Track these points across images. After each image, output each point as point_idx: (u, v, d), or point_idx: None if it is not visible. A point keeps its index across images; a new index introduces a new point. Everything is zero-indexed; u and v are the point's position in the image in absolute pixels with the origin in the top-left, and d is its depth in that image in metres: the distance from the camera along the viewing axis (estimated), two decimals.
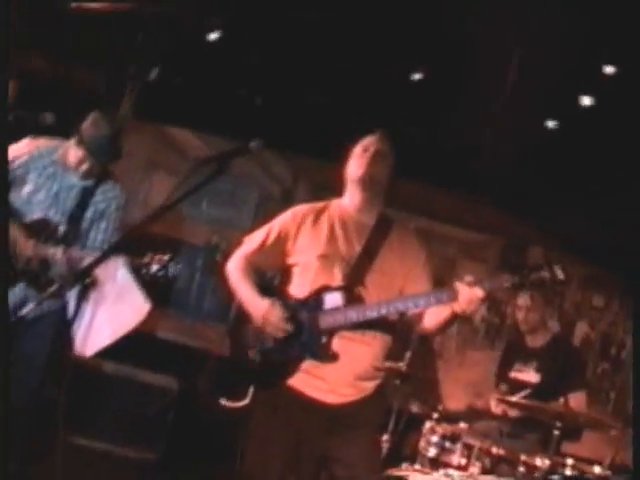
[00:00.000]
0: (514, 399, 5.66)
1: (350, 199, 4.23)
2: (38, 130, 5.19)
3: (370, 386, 4.12)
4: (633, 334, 5.59)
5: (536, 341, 6.34)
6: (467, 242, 7.73)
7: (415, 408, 6.09)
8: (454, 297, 3.80)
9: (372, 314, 3.92)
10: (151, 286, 4.41)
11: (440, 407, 6.01)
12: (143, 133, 7.56)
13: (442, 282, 6.89)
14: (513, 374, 6.30)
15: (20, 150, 5.09)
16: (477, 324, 7.61)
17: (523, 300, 6.26)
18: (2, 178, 3.58)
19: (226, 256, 4.48)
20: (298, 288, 4.13)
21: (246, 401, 4.12)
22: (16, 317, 4.92)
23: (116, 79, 7.35)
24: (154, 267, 4.00)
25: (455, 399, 6.98)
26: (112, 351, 5.97)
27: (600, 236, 7.12)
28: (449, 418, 6.00)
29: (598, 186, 6.85)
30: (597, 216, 7.07)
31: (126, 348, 5.43)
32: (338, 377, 4.00)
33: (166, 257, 4.01)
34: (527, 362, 6.27)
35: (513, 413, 5.91)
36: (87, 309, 4.51)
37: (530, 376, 6.17)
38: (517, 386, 6.08)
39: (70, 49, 7.07)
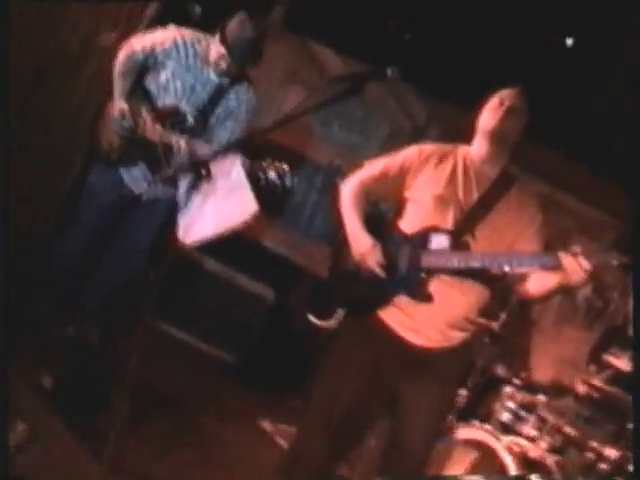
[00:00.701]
0: (597, 382, 5.57)
1: (477, 149, 4.16)
2: (183, 18, 5.23)
3: (457, 336, 4.09)
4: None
5: None
6: (586, 218, 7.55)
7: (499, 370, 6.03)
8: (558, 265, 3.72)
9: (474, 263, 3.88)
10: (265, 193, 4.42)
11: (524, 375, 5.96)
12: (287, 43, 7.55)
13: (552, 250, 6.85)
14: (607, 356, 6.19)
15: (165, 36, 5.16)
16: (579, 303, 7.46)
17: None
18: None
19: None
20: (408, 224, 4.12)
21: (333, 322, 4.16)
22: (131, 194, 5.08)
23: None
24: (271, 174, 4.02)
25: (541, 371, 6.90)
26: (217, 250, 6.08)
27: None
28: (530, 388, 5.94)
29: None
30: None
31: (232, 250, 5.53)
32: (427, 319, 3.99)
33: (285, 167, 4.01)
34: (624, 349, 6.15)
35: (595, 397, 5.81)
36: (196, 199, 4.56)
37: (623, 363, 6.04)
38: (607, 368, 5.98)
39: None
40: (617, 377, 5.81)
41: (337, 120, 7.39)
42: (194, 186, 4.37)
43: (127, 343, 4.53)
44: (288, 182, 4.08)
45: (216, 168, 4.28)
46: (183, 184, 4.72)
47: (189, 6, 5.00)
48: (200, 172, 4.23)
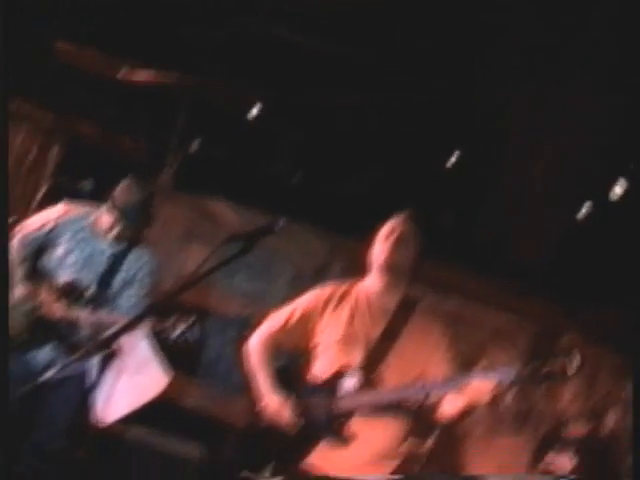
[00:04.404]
0: None
1: (373, 282, 4.25)
2: (77, 197, 5.30)
3: (389, 464, 4.13)
4: None
5: (576, 430, 6.29)
6: (498, 327, 7.67)
7: None
8: (464, 386, 3.79)
9: (385, 399, 3.95)
10: (176, 352, 4.44)
11: None
12: (181, 204, 7.65)
13: (471, 366, 6.94)
14: (548, 459, 6.24)
15: (53, 214, 5.21)
16: (504, 410, 7.53)
17: (566, 387, 6.19)
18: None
19: (255, 329, 4.53)
20: (319, 369, 4.17)
21: (267, 475, 4.14)
22: (40, 381, 5.02)
23: (157, 150, 7.49)
24: (175, 333, 4.05)
25: None
26: (140, 417, 6.01)
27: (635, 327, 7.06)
28: None
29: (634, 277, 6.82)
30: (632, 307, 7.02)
31: (151, 414, 5.46)
32: (356, 456, 4.02)
33: (189, 322, 4.05)
34: (563, 449, 6.20)
35: None
36: (109, 377, 4.55)
37: (565, 462, 6.10)
38: (550, 472, 6.02)
39: (117, 118, 7.23)
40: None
41: (240, 270, 7.46)
42: (105, 363, 4.37)
43: None
44: (192, 337, 4.10)
45: (124, 343, 4.29)
46: (93, 362, 4.70)
47: (80, 184, 5.06)
48: (109, 350, 4.24)
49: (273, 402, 4.15)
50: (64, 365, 4.32)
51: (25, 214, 5.10)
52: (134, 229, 5.21)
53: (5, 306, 3.38)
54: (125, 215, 5.07)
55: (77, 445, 5.69)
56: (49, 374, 3.82)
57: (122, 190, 5.10)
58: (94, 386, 4.69)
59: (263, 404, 4.19)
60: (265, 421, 4.22)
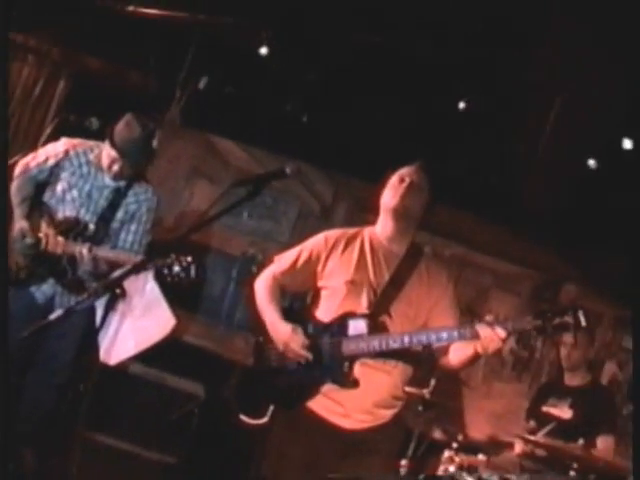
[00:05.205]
0: (536, 438, 5.63)
1: (382, 227, 4.25)
2: (83, 134, 5.27)
3: (388, 414, 4.14)
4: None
5: (575, 380, 6.33)
6: (502, 273, 7.70)
7: (436, 435, 6.07)
8: (476, 335, 3.81)
9: (394, 344, 3.93)
10: (174, 287, 4.44)
11: (460, 437, 6.00)
12: (188, 140, 7.64)
13: (473, 311, 6.98)
14: (545, 408, 6.28)
15: (56, 149, 5.20)
16: (505, 356, 7.59)
17: (568, 337, 6.21)
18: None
19: (261, 268, 4.53)
20: (325, 312, 4.17)
21: (265, 419, 4.17)
22: (46, 320, 5.05)
23: (166, 85, 7.43)
24: (176, 268, 4.04)
25: (478, 429, 6.97)
26: (143, 353, 6.05)
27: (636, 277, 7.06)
28: (470, 448, 5.97)
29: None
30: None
31: (155, 352, 5.50)
32: (356, 403, 4.04)
33: (189, 258, 4.05)
34: (561, 398, 6.25)
35: (537, 452, 5.87)
36: (114, 319, 4.57)
37: (563, 412, 6.14)
38: (547, 420, 6.07)
39: (125, 53, 7.16)
40: (559, 429, 5.90)
41: (246, 209, 7.46)
42: (110, 306, 4.38)
43: (65, 459, 4.48)
44: (193, 273, 4.09)
45: (130, 286, 4.30)
46: (99, 304, 4.71)
47: (87, 122, 5.02)
48: (115, 291, 4.24)
49: (284, 331, 4.12)
50: (70, 308, 4.34)
51: (31, 150, 5.05)
52: (135, 165, 5.19)
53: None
54: (126, 152, 5.06)
55: (81, 379, 5.74)
56: (56, 314, 3.85)
57: (122, 127, 5.08)
58: (99, 329, 4.69)
59: (272, 335, 4.18)
60: (271, 359, 4.23)
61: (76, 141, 5.27)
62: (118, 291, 4.29)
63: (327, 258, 4.22)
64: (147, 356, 6.06)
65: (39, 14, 6.92)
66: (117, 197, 5.22)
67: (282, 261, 4.35)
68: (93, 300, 4.50)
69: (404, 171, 4.24)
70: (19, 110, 7.09)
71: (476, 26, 5.92)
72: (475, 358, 3.96)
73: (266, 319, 4.24)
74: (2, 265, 3.55)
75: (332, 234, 4.32)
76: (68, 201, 5.19)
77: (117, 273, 4.83)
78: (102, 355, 4.66)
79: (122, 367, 6.59)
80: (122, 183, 5.23)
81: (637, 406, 3.88)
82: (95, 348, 4.72)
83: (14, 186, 5.21)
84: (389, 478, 4.52)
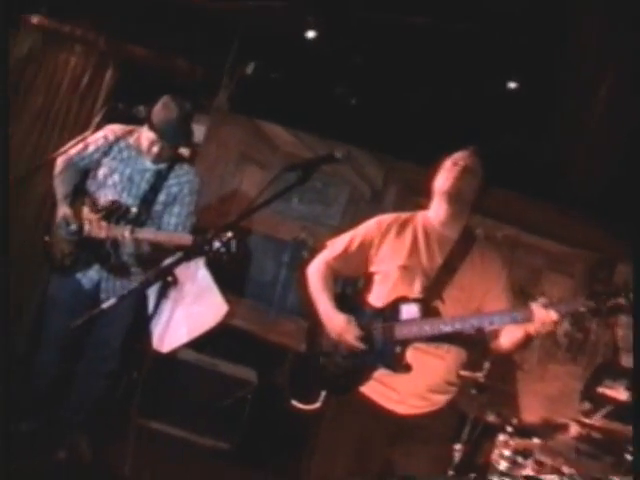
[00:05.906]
0: (593, 421, 5.57)
1: (435, 212, 4.22)
2: (132, 122, 5.29)
3: (441, 399, 4.12)
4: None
5: (631, 361, 6.24)
6: (555, 254, 7.59)
7: (491, 419, 6.02)
8: (529, 318, 3.77)
9: (447, 328, 3.91)
10: (214, 263, 4.41)
11: (515, 420, 5.96)
12: (237, 126, 7.62)
13: (526, 293, 6.90)
14: (601, 389, 6.20)
15: (95, 135, 5.22)
16: (560, 338, 7.50)
17: (623, 318, 6.13)
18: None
19: (313, 252, 4.52)
20: (377, 296, 4.15)
21: (317, 404, 4.16)
22: (98, 308, 5.08)
23: (214, 72, 7.43)
24: (216, 244, 4.04)
25: (532, 412, 6.90)
26: (195, 340, 6.08)
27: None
28: (524, 431, 5.93)
29: None
30: None
31: (206, 338, 5.52)
32: (409, 388, 4.02)
33: (229, 234, 4.05)
34: (617, 379, 6.16)
35: (593, 435, 5.80)
36: (166, 307, 4.58)
37: (619, 393, 6.05)
38: (602, 402, 5.99)
39: (172, 40, 7.17)
40: (615, 411, 5.83)
41: (296, 193, 7.44)
42: (162, 293, 4.38)
43: (120, 447, 4.51)
44: (233, 247, 4.09)
45: (182, 273, 4.31)
46: (151, 292, 4.72)
47: (135, 110, 5.04)
48: (167, 279, 4.25)
49: (337, 322, 4.12)
50: (123, 296, 4.36)
51: (81, 140, 5.07)
52: (173, 147, 5.22)
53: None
54: (164, 133, 5.09)
55: (135, 367, 5.78)
56: (110, 302, 3.88)
57: (160, 108, 5.11)
58: (152, 314, 4.71)
59: (326, 325, 4.17)
60: (323, 344, 4.22)
61: (115, 126, 5.32)
62: (170, 279, 4.30)
63: (380, 243, 4.20)
64: (198, 342, 6.10)
65: (85, 4, 6.95)
66: (158, 180, 5.24)
67: (335, 246, 4.33)
68: (145, 287, 4.51)
69: (458, 155, 4.22)
70: (67, 101, 7.12)
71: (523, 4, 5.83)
72: (526, 341, 3.93)
73: (320, 308, 4.23)
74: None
75: (385, 219, 4.29)
76: (109, 186, 5.22)
77: (168, 261, 4.84)
78: (155, 343, 4.68)
79: (173, 354, 6.65)
80: (163, 166, 5.26)
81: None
82: (147, 335, 4.73)
83: (56, 172, 5.25)
84: (439, 478, 4.46)
